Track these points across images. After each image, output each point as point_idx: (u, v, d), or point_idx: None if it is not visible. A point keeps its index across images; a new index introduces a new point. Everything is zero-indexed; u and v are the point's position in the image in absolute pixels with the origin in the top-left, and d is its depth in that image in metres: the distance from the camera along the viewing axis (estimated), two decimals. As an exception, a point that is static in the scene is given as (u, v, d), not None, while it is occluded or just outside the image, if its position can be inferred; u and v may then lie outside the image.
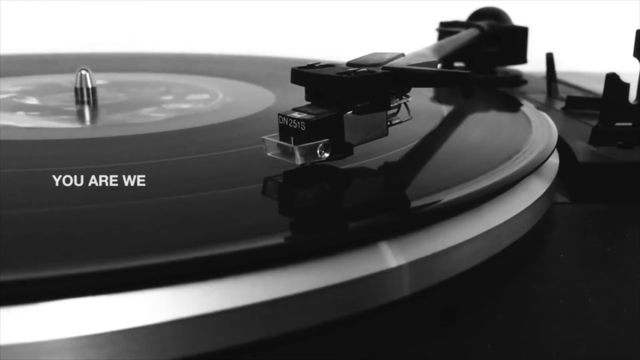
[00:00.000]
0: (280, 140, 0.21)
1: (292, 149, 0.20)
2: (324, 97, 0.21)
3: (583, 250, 0.22)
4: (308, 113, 0.20)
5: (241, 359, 0.15)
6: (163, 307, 0.14)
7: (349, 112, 0.21)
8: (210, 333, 0.14)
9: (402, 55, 0.24)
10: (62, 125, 0.30)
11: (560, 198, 0.26)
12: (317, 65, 0.22)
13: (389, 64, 0.23)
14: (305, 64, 0.23)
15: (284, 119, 0.20)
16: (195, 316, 0.14)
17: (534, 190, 0.23)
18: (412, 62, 0.24)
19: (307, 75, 0.22)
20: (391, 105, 0.22)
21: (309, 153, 0.20)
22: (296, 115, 0.20)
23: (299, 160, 0.20)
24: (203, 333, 0.14)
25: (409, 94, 0.23)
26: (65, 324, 0.13)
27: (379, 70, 0.22)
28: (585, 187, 0.26)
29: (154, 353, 0.14)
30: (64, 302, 0.13)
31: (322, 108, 0.21)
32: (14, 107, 0.33)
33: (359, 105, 0.21)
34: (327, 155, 0.20)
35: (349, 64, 0.23)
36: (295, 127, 0.20)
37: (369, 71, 0.22)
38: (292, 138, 0.20)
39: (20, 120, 0.31)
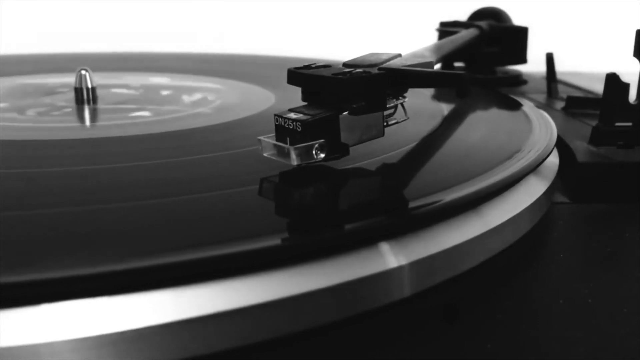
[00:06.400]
0: (276, 140, 0.21)
1: (288, 149, 0.20)
2: (320, 97, 0.21)
3: (583, 250, 0.22)
4: (304, 114, 0.20)
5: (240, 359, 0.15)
6: (162, 308, 0.14)
7: (345, 113, 0.21)
8: (208, 335, 0.14)
9: (399, 55, 0.24)
10: (62, 125, 0.30)
11: (560, 198, 0.26)
12: (313, 65, 0.22)
13: (385, 65, 0.23)
14: (303, 64, 0.23)
15: (280, 119, 0.20)
16: (192, 318, 0.14)
17: (534, 190, 0.23)
18: (409, 63, 0.24)
19: (302, 75, 0.22)
20: (387, 105, 0.22)
21: (305, 153, 0.20)
22: (292, 115, 0.20)
23: (294, 160, 0.20)
24: (199, 335, 0.14)
25: (405, 94, 0.23)
26: (65, 326, 0.13)
27: (374, 70, 0.22)
28: (585, 187, 0.26)
29: (154, 354, 0.14)
30: (64, 304, 0.13)
31: (318, 109, 0.21)
32: (14, 107, 0.33)
33: (354, 106, 0.21)
34: (322, 155, 0.20)
35: (345, 64, 0.23)
36: (291, 127, 0.20)
37: (364, 72, 0.21)
38: (288, 139, 0.20)
39: (20, 120, 0.31)
